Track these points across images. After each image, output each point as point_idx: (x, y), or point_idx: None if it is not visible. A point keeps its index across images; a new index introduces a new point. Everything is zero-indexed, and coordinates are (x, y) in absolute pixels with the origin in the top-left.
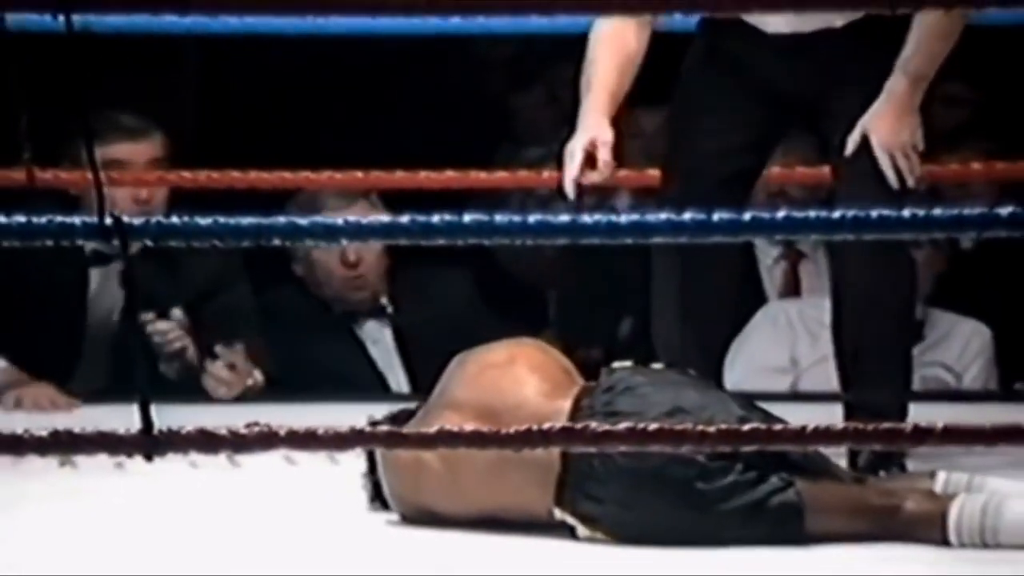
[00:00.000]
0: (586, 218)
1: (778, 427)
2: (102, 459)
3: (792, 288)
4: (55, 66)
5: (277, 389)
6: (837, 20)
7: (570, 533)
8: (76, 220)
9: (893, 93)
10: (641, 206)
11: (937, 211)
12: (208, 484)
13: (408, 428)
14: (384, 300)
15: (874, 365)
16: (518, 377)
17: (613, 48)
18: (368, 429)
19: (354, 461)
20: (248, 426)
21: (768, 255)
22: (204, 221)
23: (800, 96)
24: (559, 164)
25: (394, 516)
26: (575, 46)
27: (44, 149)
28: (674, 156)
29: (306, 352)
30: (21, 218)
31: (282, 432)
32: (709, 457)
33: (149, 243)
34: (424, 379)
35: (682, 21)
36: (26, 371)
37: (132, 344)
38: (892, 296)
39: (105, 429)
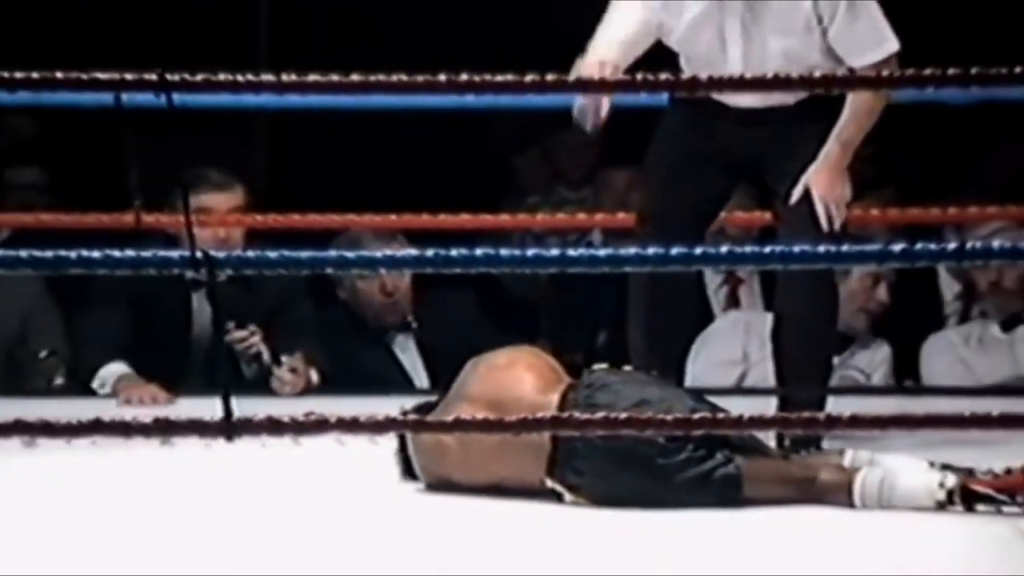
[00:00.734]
0: (571, 252)
1: (721, 416)
2: (193, 440)
3: (733, 306)
4: (158, 132)
5: (329, 387)
6: (789, 98)
7: (557, 498)
8: (174, 254)
9: (830, 156)
10: (613, 243)
11: (847, 247)
12: (275, 461)
13: (431, 416)
14: (410, 318)
15: (800, 367)
16: (517, 376)
17: (624, 16)
18: (400, 417)
19: (389, 443)
20: (306, 415)
21: (714, 280)
22: (272, 254)
23: (753, 157)
24: (551, 211)
25: (420, 485)
26: (562, 118)
27: (149, 198)
28: (648, 203)
29: (350, 358)
30: (131, 253)
31: (332, 420)
32: (667, 439)
33: (230, 272)
34: (442, 379)
35: (649, 99)
36: (142, 374)
37: (217, 351)
38: (817, 314)
39: (195, 417)
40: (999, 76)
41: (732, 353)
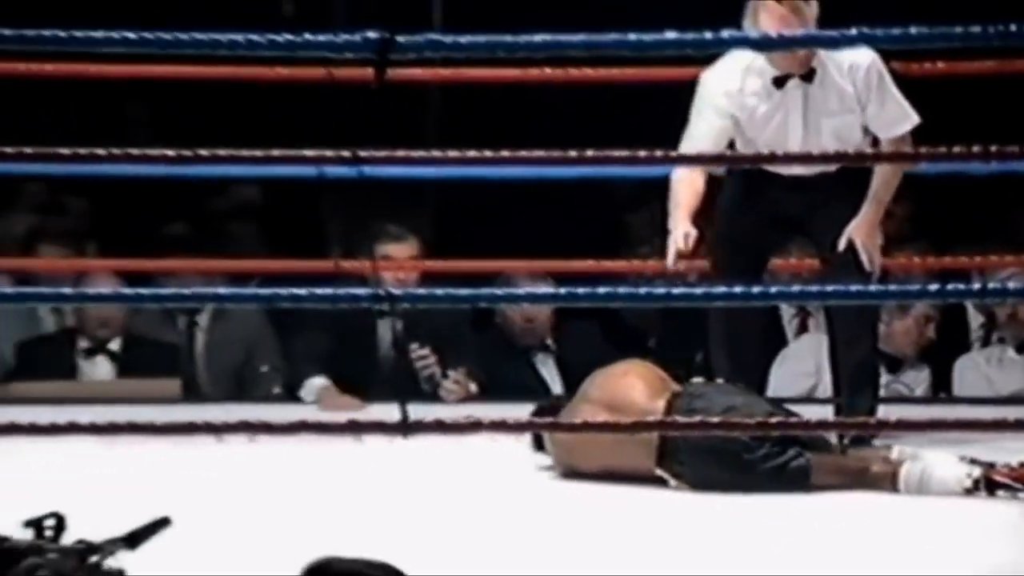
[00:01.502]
0: (674, 290)
1: (793, 419)
2: (377, 438)
3: (803, 331)
4: (350, 198)
5: (485, 395)
6: (831, 167)
7: (663, 484)
8: (364, 292)
9: (868, 213)
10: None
11: (891, 287)
12: (441, 454)
13: (562, 415)
14: (549, 340)
15: (854, 382)
16: (630, 383)
17: (687, 184)
18: (538, 420)
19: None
20: (466, 418)
21: (788, 312)
22: (439, 292)
23: (802, 215)
24: (660, 256)
25: (557, 472)
26: (663, 187)
27: (344, 248)
28: (718, 254)
29: (502, 372)
30: (330, 291)
31: (487, 422)
32: (750, 438)
33: (407, 306)
34: (573, 388)
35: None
36: (338, 386)
37: (398, 367)
38: (867, 340)
39: (379, 419)
40: (1014, 153)
41: (806, 368)
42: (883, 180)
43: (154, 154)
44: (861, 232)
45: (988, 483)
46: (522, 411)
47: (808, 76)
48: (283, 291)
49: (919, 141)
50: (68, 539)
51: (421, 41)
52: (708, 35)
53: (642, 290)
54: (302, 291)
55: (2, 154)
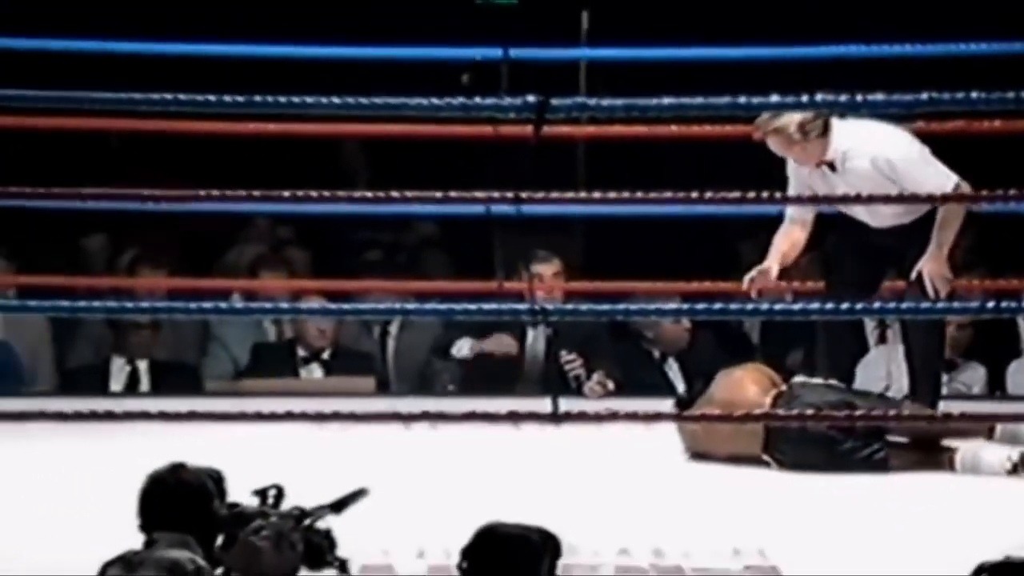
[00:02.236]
0: (777, 306)
1: (876, 413)
2: (532, 426)
3: (882, 342)
4: (512, 231)
5: (622, 392)
6: (906, 219)
7: (767, 466)
8: (519, 306)
9: (933, 251)
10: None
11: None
12: (585, 438)
13: (693, 409)
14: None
15: (921, 382)
16: (744, 384)
17: (786, 234)
18: (667, 412)
19: (662, 427)
20: (606, 410)
21: (870, 324)
22: (583, 306)
23: (893, 253)
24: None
25: (687, 456)
26: (768, 221)
27: (506, 270)
28: (832, 280)
29: (637, 374)
30: (495, 305)
31: (622, 413)
32: (840, 429)
33: (555, 318)
34: (692, 386)
35: None
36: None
37: (550, 369)
38: (933, 347)
39: (534, 410)
40: None
41: (880, 372)
42: (941, 225)
43: (364, 195)
44: (929, 267)
45: None
46: (652, 407)
47: (831, 166)
48: (457, 306)
49: (979, 186)
50: (286, 505)
51: (571, 104)
52: (804, 98)
53: (750, 306)
54: (472, 306)
55: (234, 196)
